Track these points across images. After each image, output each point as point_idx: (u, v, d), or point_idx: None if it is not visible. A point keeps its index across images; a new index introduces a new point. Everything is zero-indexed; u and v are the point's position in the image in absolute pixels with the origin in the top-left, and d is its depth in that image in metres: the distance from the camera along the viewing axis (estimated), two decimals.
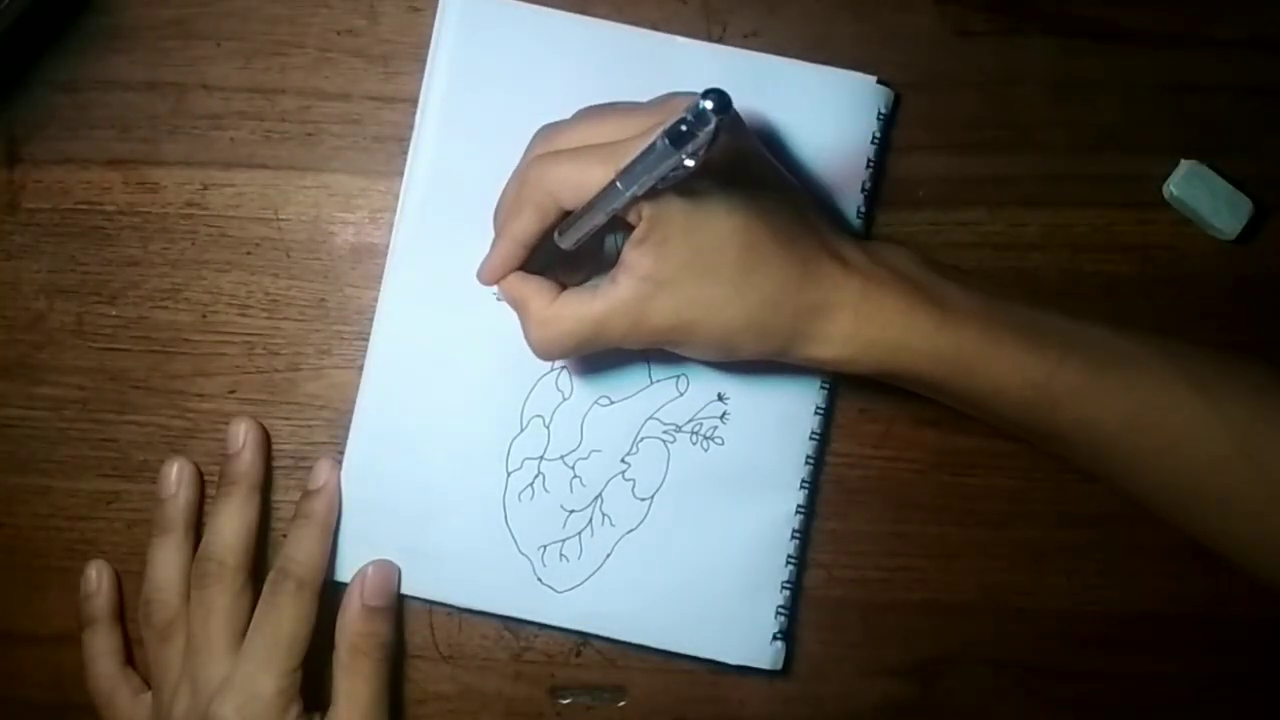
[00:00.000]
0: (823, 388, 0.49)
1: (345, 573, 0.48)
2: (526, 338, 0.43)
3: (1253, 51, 0.49)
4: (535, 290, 0.42)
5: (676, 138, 0.34)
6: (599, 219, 0.39)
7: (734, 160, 0.40)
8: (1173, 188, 0.49)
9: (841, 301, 0.42)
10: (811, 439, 0.49)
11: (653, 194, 0.38)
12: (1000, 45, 0.49)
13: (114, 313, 0.50)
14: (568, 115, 0.43)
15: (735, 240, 0.40)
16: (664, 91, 0.42)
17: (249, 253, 0.50)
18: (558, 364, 0.48)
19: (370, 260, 0.49)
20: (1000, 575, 0.51)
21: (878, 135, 0.48)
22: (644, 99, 0.43)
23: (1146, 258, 0.50)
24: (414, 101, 0.49)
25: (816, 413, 0.49)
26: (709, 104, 0.33)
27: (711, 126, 0.33)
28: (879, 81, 0.48)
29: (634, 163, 0.36)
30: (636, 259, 0.40)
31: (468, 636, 0.50)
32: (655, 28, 0.48)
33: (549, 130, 0.43)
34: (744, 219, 0.40)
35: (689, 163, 0.35)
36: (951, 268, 0.46)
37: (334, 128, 0.49)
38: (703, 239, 0.40)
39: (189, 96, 0.49)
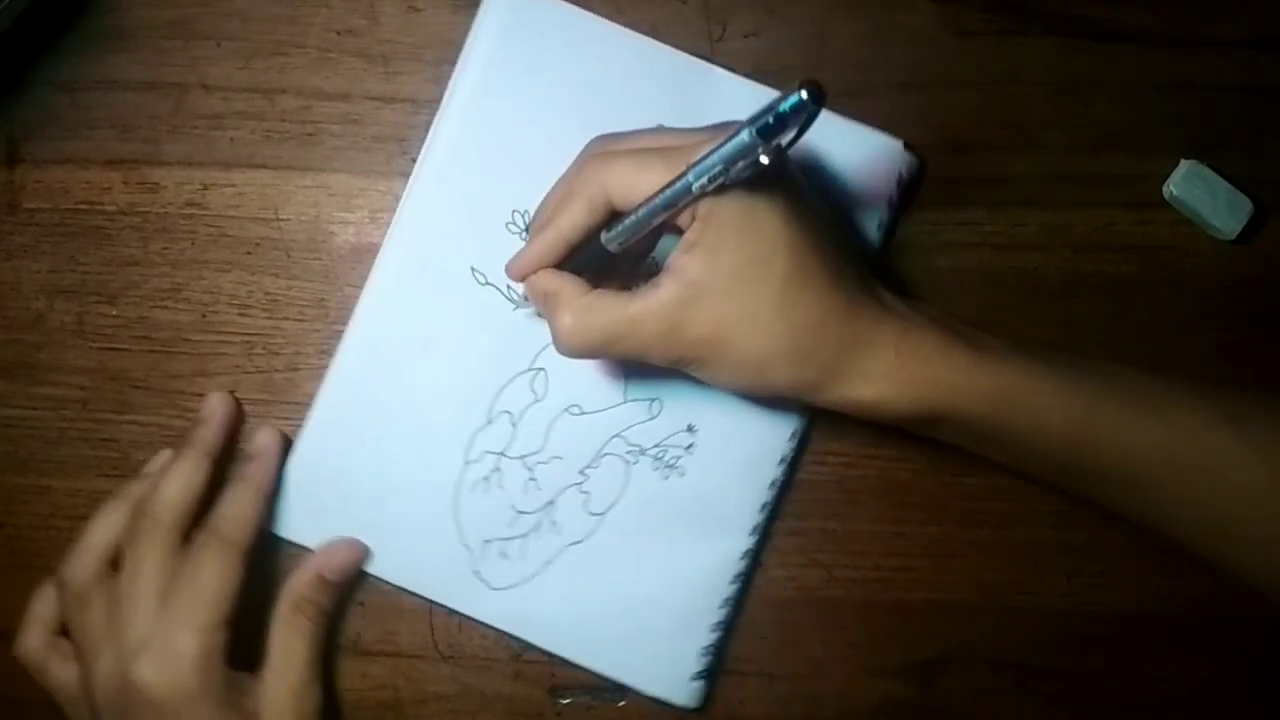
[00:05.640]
0: (791, 439, 0.49)
1: (294, 531, 0.48)
2: (555, 329, 0.42)
3: (1253, 51, 0.49)
4: (569, 282, 0.42)
5: (765, 130, 0.33)
6: (657, 217, 0.39)
7: (787, 185, 0.40)
8: (1173, 188, 0.49)
9: (883, 339, 0.41)
10: (771, 487, 0.49)
11: (719, 190, 0.38)
12: (1000, 45, 0.49)
13: (114, 313, 0.50)
14: (592, 124, 0.44)
15: (788, 255, 0.40)
16: (689, 111, 0.42)
17: (249, 253, 0.50)
18: (536, 365, 0.48)
19: (370, 260, 0.49)
20: (1000, 575, 0.51)
21: (895, 199, 0.48)
22: (670, 120, 0.43)
23: (1146, 258, 0.50)
24: (414, 101, 0.49)
25: (781, 462, 0.49)
26: (805, 94, 0.32)
27: (805, 117, 0.32)
28: (906, 146, 0.48)
29: (709, 153, 0.36)
30: (686, 263, 0.40)
31: (468, 636, 0.50)
32: (655, 27, 0.48)
33: (605, 138, 0.43)
34: (798, 235, 0.40)
35: (764, 159, 0.34)
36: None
37: (334, 128, 0.49)
38: (756, 248, 0.40)
39: (189, 96, 0.49)
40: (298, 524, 0.48)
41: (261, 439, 0.48)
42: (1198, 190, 0.49)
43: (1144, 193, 0.50)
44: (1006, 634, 0.51)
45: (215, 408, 0.48)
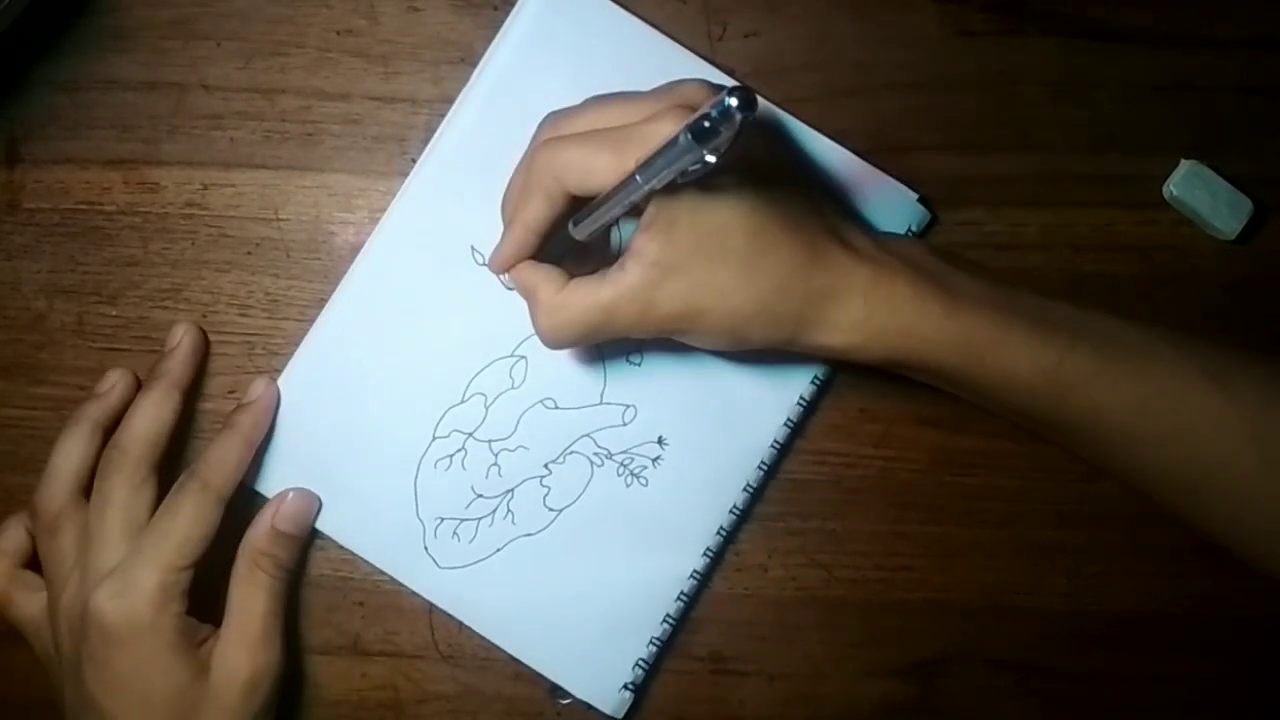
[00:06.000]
0: (760, 468, 0.49)
1: (260, 481, 0.48)
2: (535, 326, 0.43)
3: (1253, 51, 0.49)
4: (545, 278, 0.42)
5: (700, 134, 0.33)
6: (616, 211, 0.39)
7: (745, 147, 0.40)
8: (1173, 188, 0.49)
9: (851, 287, 0.41)
10: (732, 513, 0.49)
11: (672, 187, 0.38)
12: (1000, 45, 0.49)
13: (114, 313, 0.50)
14: None
15: (743, 225, 0.40)
16: None
17: (249, 253, 0.50)
18: (518, 352, 0.48)
19: None
20: (1000, 575, 0.51)
21: None
22: None
23: (1146, 258, 0.50)
24: (414, 101, 0.49)
25: (745, 490, 0.49)
26: (734, 101, 0.32)
27: (735, 124, 0.32)
28: (919, 200, 0.48)
29: (654, 156, 0.36)
30: (644, 244, 0.40)
31: (468, 636, 0.50)
32: (655, 27, 0.48)
33: (555, 117, 0.43)
34: (751, 204, 0.40)
35: (710, 159, 0.34)
36: (961, 258, 0.46)
37: (334, 128, 0.49)
38: (710, 223, 0.40)
39: (189, 96, 0.49)
40: (262, 472, 0.48)
41: (256, 388, 0.48)
42: (1198, 190, 0.49)
43: (1144, 193, 0.50)
44: (1006, 634, 0.51)
45: (180, 337, 0.48)
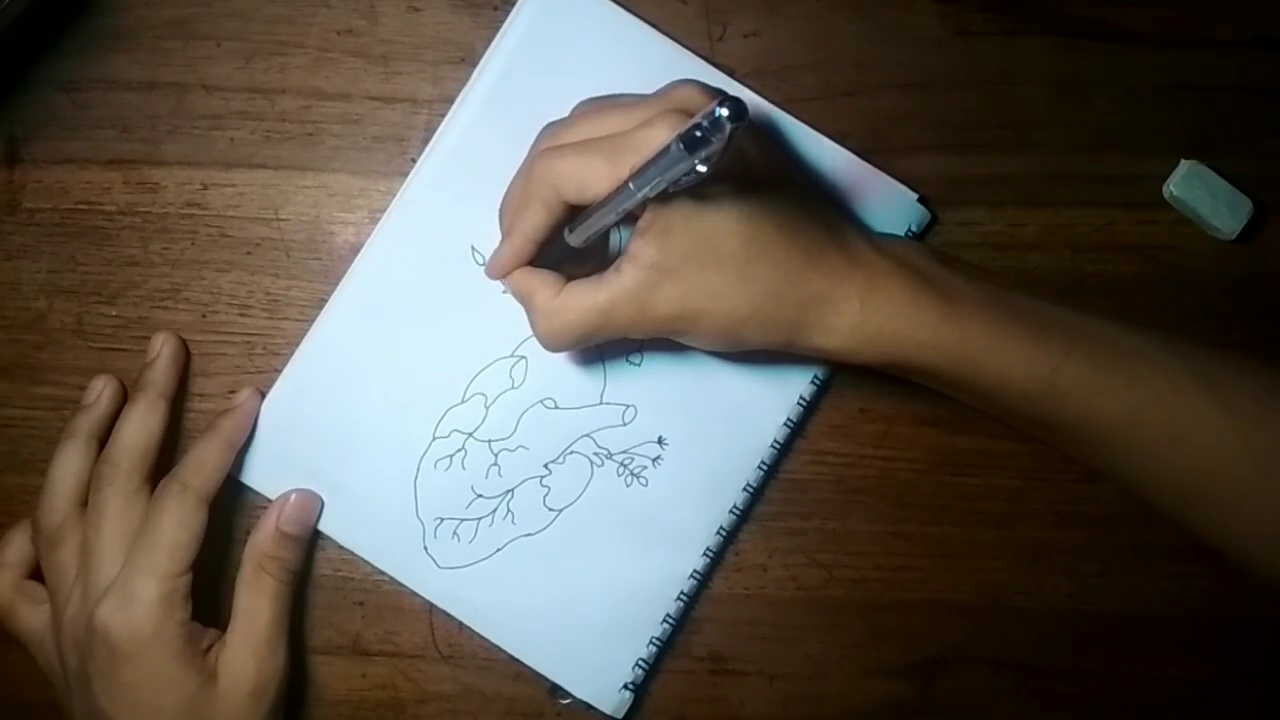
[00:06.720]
0: (760, 468, 0.49)
1: (260, 482, 0.48)
2: (534, 329, 0.43)
3: (1253, 51, 0.49)
4: (542, 283, 0.42)
5: (691, 143, 0.33)
6: (611, 218, 0.39)
7: (740, 153, 0.40)
8: (1173, 188, 0.49)
9: (846, 292, 0.42)
10: (732, 513, 0.49)
11: (665, 196, 0.38)
12: (1000, 45, 0.49)
13: (114, 313, 0.50)
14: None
15: (738, 230, 0.40)
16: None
17: (249, 253, 0.50)
18: (518, 352, 0.48)
19: None
20: (1000, 575, 0.51)
21: None
22: None
23: (1146, 258, 0.50)
24: (414, 101, 0.49)
25: (746, 489, 0.49)
26: (725, 112, 0.32)
27: (725, 134, 0.33)
28: (919, 200, 0.48)
29: (647, 165, 0.36)
30: (640, 248, 0.41)
31: (468, 636, 0.50)
32: (655, 27, 0.48)
33: (553, 126, 0.43)
34: (746, 210, 0.40)
35: (702, 168, 0.35)
36: (958, 260, 0.46)
37: (334, 128, 0.49)
38: (705, 228, 0.40)
39: (189, 96, 0.49)
40: (262, 473, 0.48)
41: (241, 395, 0.48)
42: (1198, 190, 0.49)
43: (1144, 193, 0.50)
44: (1006, 634, 0.51)
45: (159, 347, 0.48)
